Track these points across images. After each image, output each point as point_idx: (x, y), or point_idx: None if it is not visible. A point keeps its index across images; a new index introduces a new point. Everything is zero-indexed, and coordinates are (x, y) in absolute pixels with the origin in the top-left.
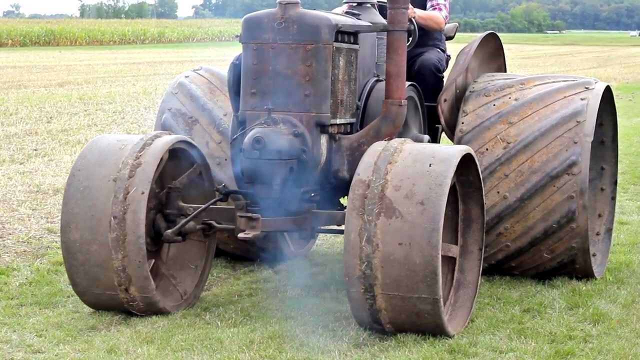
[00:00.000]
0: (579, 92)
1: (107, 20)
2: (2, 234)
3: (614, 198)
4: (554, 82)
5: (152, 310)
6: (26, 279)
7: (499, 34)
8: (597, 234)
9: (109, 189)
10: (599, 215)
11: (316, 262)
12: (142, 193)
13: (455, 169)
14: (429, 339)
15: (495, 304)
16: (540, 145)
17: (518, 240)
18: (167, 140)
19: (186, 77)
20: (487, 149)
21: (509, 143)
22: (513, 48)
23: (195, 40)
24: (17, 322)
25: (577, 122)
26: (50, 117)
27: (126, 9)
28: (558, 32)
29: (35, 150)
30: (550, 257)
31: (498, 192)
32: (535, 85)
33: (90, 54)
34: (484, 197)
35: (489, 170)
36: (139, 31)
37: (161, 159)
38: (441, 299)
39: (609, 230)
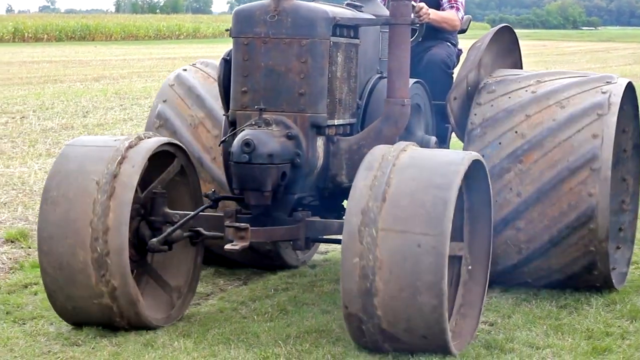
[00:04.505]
0: (589, 122)
1: (142, 16)
2: None
3: None
4: (562, 100)
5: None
6: None
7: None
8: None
9: (86, 251)
10: (624, 151)
11: None
12: (121, 256)
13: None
14: None
15: (531, 300)
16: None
17: (538, 281)
18: (136, 168)
19: (164, 101)
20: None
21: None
22: (549, 44)
23: None
24: (54, 314)
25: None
26: (86, 112)
27: (161, 4)
28: (593, 28)
29: None
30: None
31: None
32: (543, 109)
33: (125, 49)
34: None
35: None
36: (174, 26)
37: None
38: (453, 351)
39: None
